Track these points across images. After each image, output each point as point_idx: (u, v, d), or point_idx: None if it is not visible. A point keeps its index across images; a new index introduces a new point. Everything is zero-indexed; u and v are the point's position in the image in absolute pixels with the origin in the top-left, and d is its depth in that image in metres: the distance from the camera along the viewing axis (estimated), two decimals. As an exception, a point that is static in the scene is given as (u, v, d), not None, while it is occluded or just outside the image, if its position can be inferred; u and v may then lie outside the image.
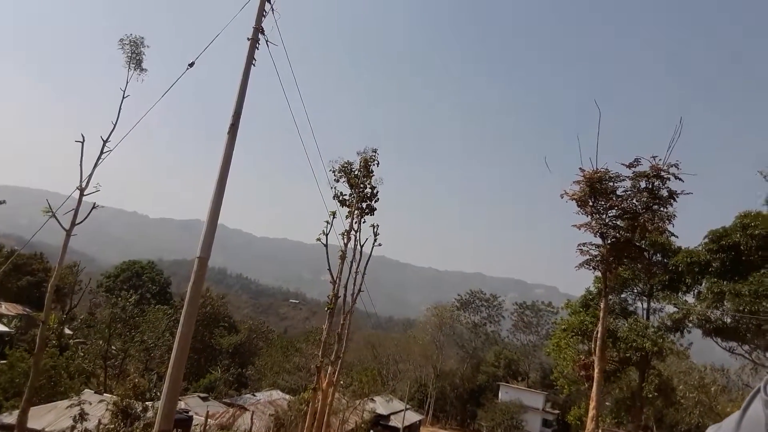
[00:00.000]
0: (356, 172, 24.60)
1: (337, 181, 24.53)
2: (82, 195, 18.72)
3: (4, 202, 42.57)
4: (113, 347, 36.87)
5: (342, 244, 23.39)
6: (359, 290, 24.10)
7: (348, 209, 24.24)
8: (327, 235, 22.39)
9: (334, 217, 22.80)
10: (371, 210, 24.53)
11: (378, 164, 24.85)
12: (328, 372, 22.93)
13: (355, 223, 23.95)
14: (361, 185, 24.39)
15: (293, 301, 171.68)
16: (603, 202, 18.60)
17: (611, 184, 18.41)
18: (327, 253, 22.74)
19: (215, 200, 9.02)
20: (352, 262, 23.87)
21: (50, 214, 18.26)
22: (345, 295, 23.50)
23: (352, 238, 23.73)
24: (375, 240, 24.48)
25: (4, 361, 29.77)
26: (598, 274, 22.51)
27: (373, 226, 24.55)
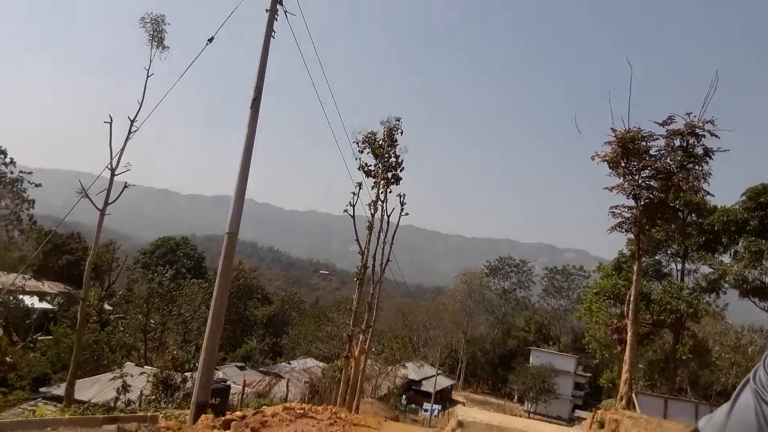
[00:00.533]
0: (380, 142, 24.42)
1: (362, 152, 24.40)
2: (113, 175, 19.11)
3: (39, 185, 43.80)
4: (152, 321, 38.14)
5: (369, 215, 23.42)
6: (387, 260, 24.20)
7: (374, 179, 24.17)
8: (354, 206, 22.42)
9: (360, 188, 22.77)
10: (397, 179, 24.40)
11: (402, 133, 24.60)
12: (360, 340, 23.30)
13: (381, 193, 23.89)
14: (386, 155, 24.23)
15: (323, 272, 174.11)
16: (636, 163, 18.06)
17: (644, 143, 17.83)
18: (354, 224, 22.81)
19: (241, 175, 9.07)
20: (379, 232, 23.92)
21: (83, 194, 18.70)
22: (374, 265, 23.64)
23: (379, 208, 23.71)
24: (402, 209, 24.42)
25: (50, 337, 31.14)
26: (631, 236, 22.05)
27: (399, 195, 24.47)
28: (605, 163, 18.34)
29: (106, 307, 43.42)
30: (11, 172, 41.03)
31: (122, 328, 37.57)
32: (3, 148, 40.63)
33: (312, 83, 11.10)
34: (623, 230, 19.23)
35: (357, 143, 24.42)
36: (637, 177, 18.36)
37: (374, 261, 23.83)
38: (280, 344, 58.04)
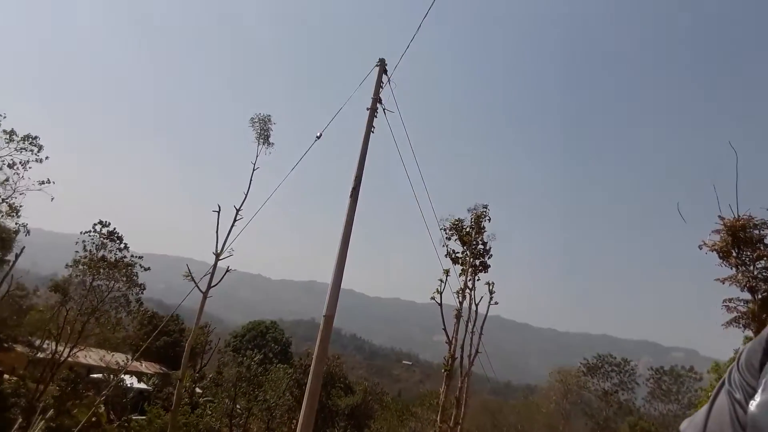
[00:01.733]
0: (467, 229, 24.48)
1: (449, 239, 24.53)
2: (217, 260, 20.41)
3: (148, 268, 47.44)
4: (238, 406, 38.57)
5: (457, 302, 23.03)
6: (476, 351, 23.35)
7: (461, 267, 23.99)
8: (441, 293, 22.24)
9: (447, 275, 22.65)
10: (485, 267, 24.07)
11: (489, 220, 24.59)
12: (448, 438, 22.09)
13: (469, 280, 23.58)
14: (473, 242, 24.16)
15: (406, 362, 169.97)
16: (749, 253, 16.68)
17: (757, 232, 16.54)
18: (441, 311, 22.47)
19: (339, 261, 9.41)
20: (467, 322, 23.32)
21: (189, 278, 20.01)
22: (461, 357, 22.86)
23: (467, 296, 23.31)
24: (491, 298, 23.85)
25: (143, 417, 32.26)
26: (749, 333, 19.90)
27: (488, 283, 24.00)
28: (714, 252, 17.10)
29: (197, 389, 44.63)
30: (125, 257, 44.91)
31: (209, 412, 38.23)
32: (120, 234, 44.85)
33: (407, 175, 11.61)
34: (740, 325, 17.43)
35: (444, 230, 24.65)
36: (751, 267, 16.88)
37: (462, 352, 23.07)
38: (362, 438, 56.09)
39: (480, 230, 24.38)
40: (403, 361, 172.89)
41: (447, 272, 22.81)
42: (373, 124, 10.26)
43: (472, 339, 23.34)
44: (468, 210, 25.02)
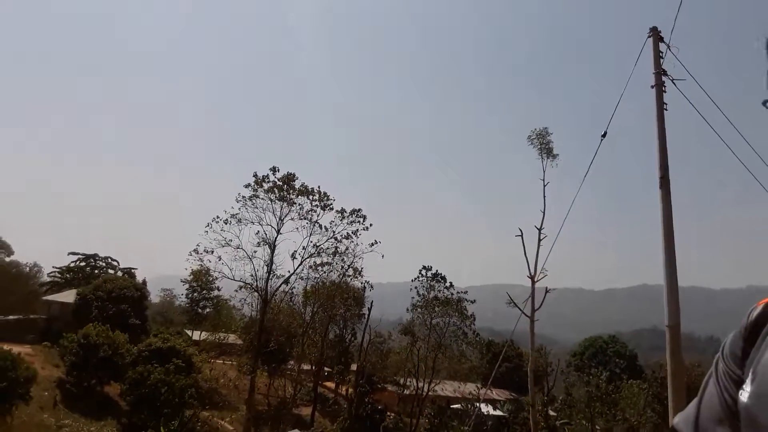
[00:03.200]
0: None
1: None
2: (533, 282, 20.47)
3: (474, 301, 50.65)
4: (597, 426, 36.88)
5: None
6: None
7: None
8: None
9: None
10: None
11: None
12: None
13: None
14: None
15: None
16: None
17: None
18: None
19: (668, 262, 8.30)
20: None
21: (512, 304, 20.51)
22: None
23: None
24: None
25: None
26: None
27: None
28: None
29: (550, 412, 44.56)
30: (452, 294, 48.99)
31: (568, 435, 37.54)
32: (443, 275, 49.27)
33: (727, 146, 9.69)
34: None
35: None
36: None
37: None
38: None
39: None
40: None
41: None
42: (665, 101, 8.98)
43: None
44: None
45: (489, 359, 56.60)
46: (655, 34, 9.80)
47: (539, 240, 21.72)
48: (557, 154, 23.12)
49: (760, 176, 9.09)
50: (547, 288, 20.82)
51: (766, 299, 1.04)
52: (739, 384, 0.99)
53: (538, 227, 22.52)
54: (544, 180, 23.25)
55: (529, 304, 20.90)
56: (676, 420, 1.10)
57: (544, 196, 23.04)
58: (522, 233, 22.52)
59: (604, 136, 9.75)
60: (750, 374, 0.94)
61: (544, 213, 22.60)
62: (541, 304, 20.42)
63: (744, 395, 0.93)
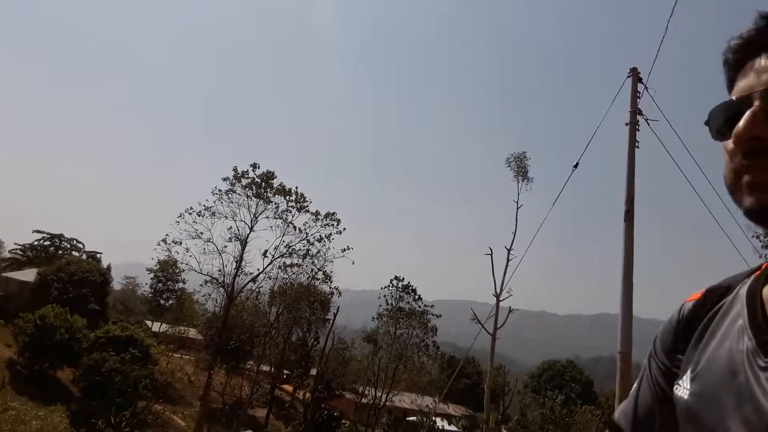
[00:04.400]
0: None
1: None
2: (498, 301, 20.86)
3: (440, 315, 51.07)
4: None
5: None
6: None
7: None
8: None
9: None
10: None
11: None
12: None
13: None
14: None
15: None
16: None
17: None
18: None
19: (625, 293, 8.71)
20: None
21: (475, 320, 20.85)
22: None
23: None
24: None
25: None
26: None
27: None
28: None
29: (503, 431, 45.09)
30: (419, 307, 49.28)
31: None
32: (413, 287, 49.60)
33: (691, 186, 10.21)
34: None
35: (758, 237, 20.48)
36: None
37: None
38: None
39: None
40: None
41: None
42: (637, 139, 9.44)
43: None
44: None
45: (449, 374, 57.04)
46: (635, 75, 10.29)
47: (507, 260, 22.20)
48: (532, 178, 23.73)
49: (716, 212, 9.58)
50: (510, 308, 21.24)
51: (694, 295, 1.06)
52: (670, 377, 1.01)
53: (508, 248, 23.00)
54: (517, 202, 23.79)
55: (492, 322, 21.28)
56: (617, 415, 1.14)
57: (516, 218, 23.56)
58: (492, 252, 22.96)
59: (575, 166, 10.18)
60: (689, 372, 0.93)
61: (514, 234, 23.11)
62: (504, 323, 20.81)
63: (681, 391, 0.93)
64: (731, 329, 0.88)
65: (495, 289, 22.00)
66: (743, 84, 0.83)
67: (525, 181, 24.15)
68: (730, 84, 0.88)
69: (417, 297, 45.33)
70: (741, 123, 0.78)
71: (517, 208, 23.58)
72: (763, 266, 0.93)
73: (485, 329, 20.22)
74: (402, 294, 44.10)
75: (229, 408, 37.41)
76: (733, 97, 0.84)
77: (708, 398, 0.85)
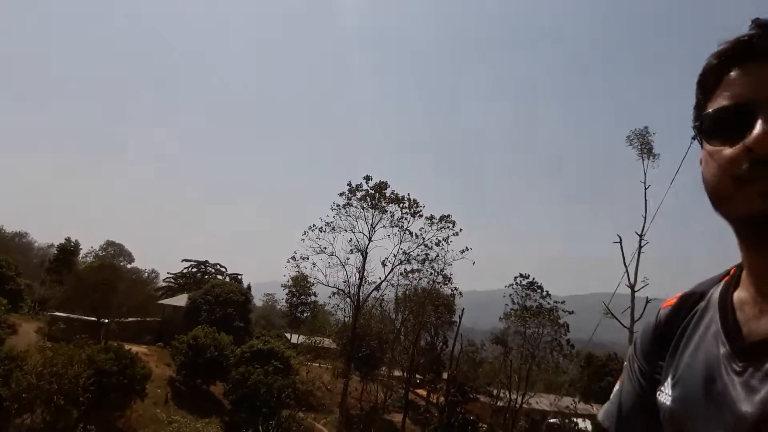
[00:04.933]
0: None
1: None
2: (633, 292, 19.27)
3: (572, 312, 48.37)
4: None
5: None
6: None
7: None
8: None
9: None
10: None
11: None
12: None
13: None
14: None
15: None
16: None
17: None
18: None
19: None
20: None
21: (609, 314, 19.43)
22: None
23: None
24: None
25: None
26: None
27: None
28: None
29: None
30: (548, 303, 47.12)
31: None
32: (540, 284, 47.59)
33: None
34: None
35: None
36: None
37: None
38: None
39: None
40: None
41: None
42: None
43: None
44: None
45: (590, 373, 53.82)
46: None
47: (639, 246, 20.36)
48: (658, 154, 21.62)
49: None
50: (648, 297, 19.44)
51: (669, 301, 1.03)
52: (651, 381, 1.00)
53: (639, 233, 21.13)
54: (645, 183, 21.83)
55: (629, 315, 19.66)
56: (600, 416, 1.13)
57: (646, 200, 21.55)
58: (620, 239, 21.28)
59: (694, 138, 8.97)
60: (669, 379, 0.93)
61: (645, 217, 21.16)
62: (641, 315, 19.11)
63: (664, 398, 0.93)
64: (706, 335, 0.90)
65: (628, 279, 20.35)
66: (738, 91, 0.80)
67: (651, 158, 22.13)
68: (709, 92, 0.85)
69: (544, 293, 43.47)
70: (759, 132, 0.74)
71: (645, 189, 21.64)
72: (732, 271, 0.92)
73: (620, 322, 18.74)
74: (528, 292, 42.56)
75: (367, 413, 38.48)
76: (725, 104, 0.81)
77: (689, 404, 0.87)
